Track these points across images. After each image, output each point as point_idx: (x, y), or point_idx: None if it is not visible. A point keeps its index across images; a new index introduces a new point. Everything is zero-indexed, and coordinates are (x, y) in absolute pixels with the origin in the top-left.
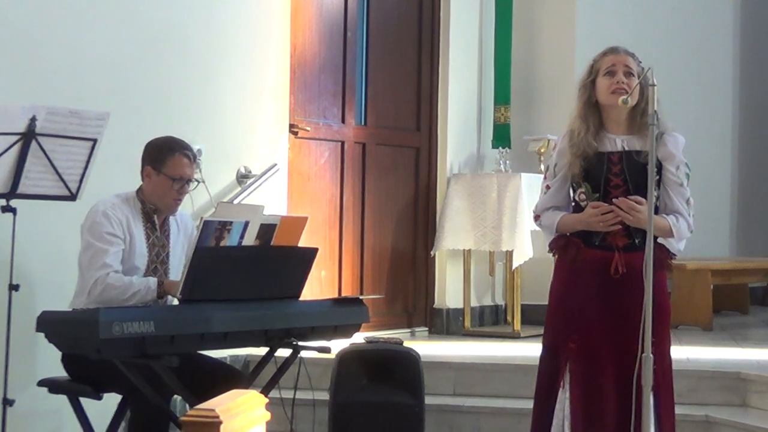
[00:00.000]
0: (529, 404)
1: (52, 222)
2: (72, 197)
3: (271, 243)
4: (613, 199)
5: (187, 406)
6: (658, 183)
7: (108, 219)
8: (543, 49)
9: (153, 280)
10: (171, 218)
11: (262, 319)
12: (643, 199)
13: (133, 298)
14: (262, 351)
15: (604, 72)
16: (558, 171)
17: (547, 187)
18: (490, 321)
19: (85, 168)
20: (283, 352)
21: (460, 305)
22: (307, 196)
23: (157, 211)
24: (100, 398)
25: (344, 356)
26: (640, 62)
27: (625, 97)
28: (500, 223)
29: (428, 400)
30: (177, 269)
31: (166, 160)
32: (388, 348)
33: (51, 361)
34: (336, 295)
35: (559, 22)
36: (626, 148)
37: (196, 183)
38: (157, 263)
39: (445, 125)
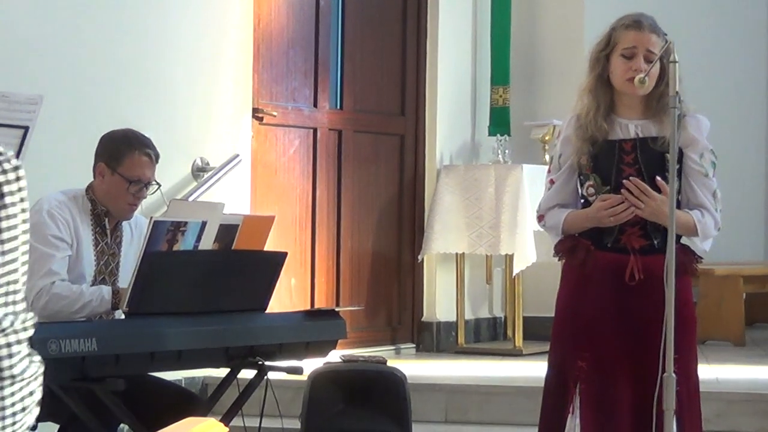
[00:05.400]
0: None
1: None
2: None
3: (233, 247)
4: (623, 181)
5: None
6: (680, 173)
7: (54, 220)
8: (547, 22)
9: (107, 289)
10: (125, 222)
11: (222, 335)
12: (664, 183)
13: (83, 309)
14: (223, 372)
15: (622, 51)
16: (563, 162)
17: (551, 182)
18: (487, 336)
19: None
20: (247, 374)
21: (452, 318)
22: (273, 192)
23: (109, 214)
24: (34, 429)
25: (318, 378)
26: (666, 35)
27: (642, 75)
28: (498, 223)
29: (416, 428)
30: (127, 281)
31: (123, 158)
32: (369, 368)
33: None
34: (308, 307)
35: None
36: (641, 135)
37: (156, 186)
38: (106, 274)
39: (434, 109)
